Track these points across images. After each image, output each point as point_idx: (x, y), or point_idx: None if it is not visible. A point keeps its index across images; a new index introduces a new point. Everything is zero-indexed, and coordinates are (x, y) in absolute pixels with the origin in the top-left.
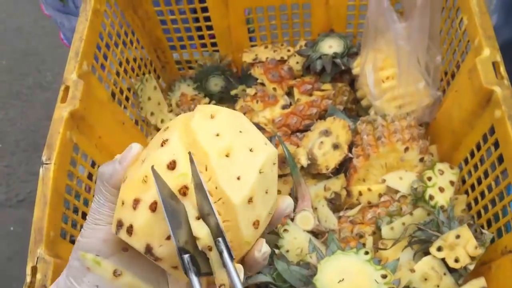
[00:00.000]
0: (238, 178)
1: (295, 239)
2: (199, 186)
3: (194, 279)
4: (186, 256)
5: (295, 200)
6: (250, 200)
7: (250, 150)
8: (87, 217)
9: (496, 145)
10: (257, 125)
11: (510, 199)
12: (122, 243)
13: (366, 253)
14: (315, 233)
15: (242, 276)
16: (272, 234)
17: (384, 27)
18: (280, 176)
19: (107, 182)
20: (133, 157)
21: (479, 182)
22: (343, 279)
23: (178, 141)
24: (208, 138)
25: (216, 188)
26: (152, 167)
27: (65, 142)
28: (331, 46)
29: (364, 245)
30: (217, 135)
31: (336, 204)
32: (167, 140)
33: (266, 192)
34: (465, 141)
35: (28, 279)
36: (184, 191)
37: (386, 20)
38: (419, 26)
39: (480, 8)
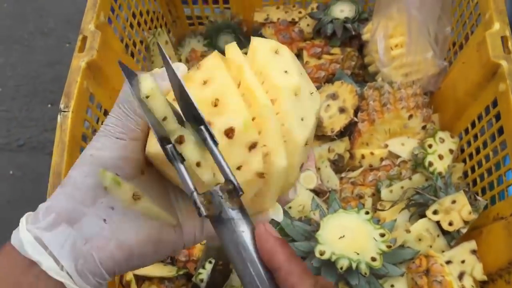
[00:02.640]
0: (302, 119)
1: (298, 197)
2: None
3: (180, 166)
4: (169, 146)
5: None
6: (306, 143)
7: (311, 94)
8: (101, 127)
9: (498, 117)
10: None
11: (506, 169)
12: (142, 166)
13: (367, 213)
14: (317, 192)
15: (281, 216)
16: None
17: None
18: None
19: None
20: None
21: (478, 151)
22: (343, 236)
23: (249, 74)
24: (278, 72)
25: (283, 125)
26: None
27: (82, 91)
28: (342, 10)
29: (363, 205)
30: (286, 72)
31: (338, 166)
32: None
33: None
34: (467, 111)
35: None
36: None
37: None
38: None
39: None
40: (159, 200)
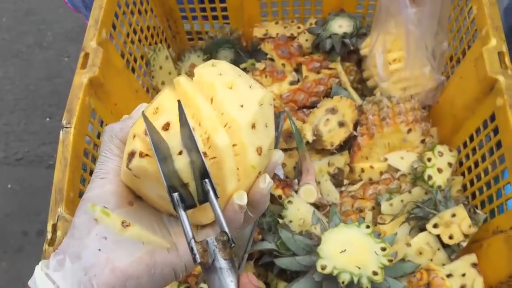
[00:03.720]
0: (242, 106)
1: (298, 211)
2: (186, 129)
3: (182, 214)
4: (175, 194)
5: (300, 173)
6: (253, 126)
7: (250, 87)
8: (93, 174)
9: (496, 131)
10: None
11: (505, 182)
12: (129, 197)
13: (367, 227)
14: (317, 206)
15: (245, 200)
16: (276, 204)
17: (396, 12)
18: (285, 150)
19: (116, 136)
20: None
21: (476, 165)
22: (345, 250)
23: (187, 84)
24: (213, 75)
25: (222, 114)
26: (143, 112)
27: (84, 107)
28: (341, 25)
29: (363, 219)
30: (220, 74)
31: (338, 179)
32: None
33: (266, 126)
34: (465, 125)
35: (49, 235)
36: (166, 127)
37: (399, 5)
38: (429, 12)
39: None
40: (151, 225)
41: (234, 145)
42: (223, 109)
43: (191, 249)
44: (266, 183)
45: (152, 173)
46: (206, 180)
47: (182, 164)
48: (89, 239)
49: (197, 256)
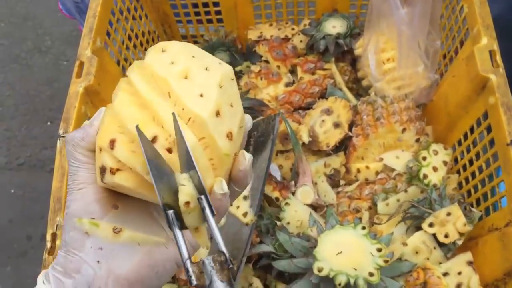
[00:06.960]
0: (201, 95)
1: (296, 212)
2: (181, 144)
3: (178, 233)
4: (170, 212)
5: (296, 175)
6: (217, 113)
7: (206, 69)
8: (68, 186)
9: (489, 129)
10: (261, 102)
11: (499, 180)
12: (112, 199)
13: (363, 228)
14: (314, 207)
15: (225, 187)
16: (274, 206)
17: (387, 13)
18: (282, 152)
19: (78, 146)
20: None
21: (471, 163)
22: (341, 252)
23: (140, 83)
24: (164, 66)
25: (183, 109)
26: (137, 126)
27: (80, 116)
28: (334, 26)
29: (360, 219)
30: (172, 62)
31: (335, 180)
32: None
33: (231, 106)
34: (459, 123)
35: (49, 245)
36: (170, 150)
37: (390, 6)
38: (421, 12)
39: None
40: (143, 224)
41: (202, 138)
42: (183, 104)
43: (187, 271)
44: (246, 162)
45: (129, 187)
46: (202, 197)
47: (185, 183)
48: (85, 253)
49: (193, 278)
